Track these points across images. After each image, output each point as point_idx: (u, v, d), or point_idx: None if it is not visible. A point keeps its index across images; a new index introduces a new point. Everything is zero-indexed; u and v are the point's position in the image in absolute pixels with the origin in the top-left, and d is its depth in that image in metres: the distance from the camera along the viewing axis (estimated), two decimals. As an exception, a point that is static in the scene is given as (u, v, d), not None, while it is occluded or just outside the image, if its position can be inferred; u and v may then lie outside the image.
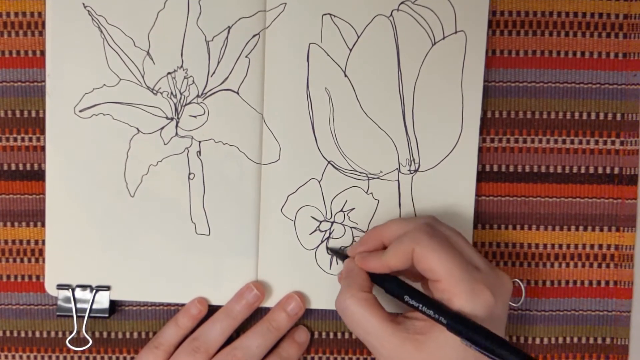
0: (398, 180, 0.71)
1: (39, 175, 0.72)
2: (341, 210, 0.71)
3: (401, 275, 0.67)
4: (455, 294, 0.60)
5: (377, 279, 0.65)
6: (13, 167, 0.72)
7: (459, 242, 0.64)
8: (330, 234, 0.71)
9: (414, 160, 0.70)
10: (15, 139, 0.72)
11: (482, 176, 0.72)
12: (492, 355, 0.57)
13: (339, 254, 0.70)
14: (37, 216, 0.73)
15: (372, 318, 0.62)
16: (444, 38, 0.70)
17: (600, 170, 0.72)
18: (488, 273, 0.62)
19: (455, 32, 0.70)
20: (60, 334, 0.73)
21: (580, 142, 0.72)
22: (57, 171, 0.71)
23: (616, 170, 0.72)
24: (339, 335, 0.73)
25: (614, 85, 0.71)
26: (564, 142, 0.72)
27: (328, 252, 0.71)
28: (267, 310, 0.72)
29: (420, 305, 0.61)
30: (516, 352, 0.56)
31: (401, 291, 0.63)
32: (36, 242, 0.73)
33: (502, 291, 0.62)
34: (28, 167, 0.72)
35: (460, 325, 0.58)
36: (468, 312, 0.59)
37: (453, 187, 0.70)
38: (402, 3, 0.70)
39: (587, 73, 0.71)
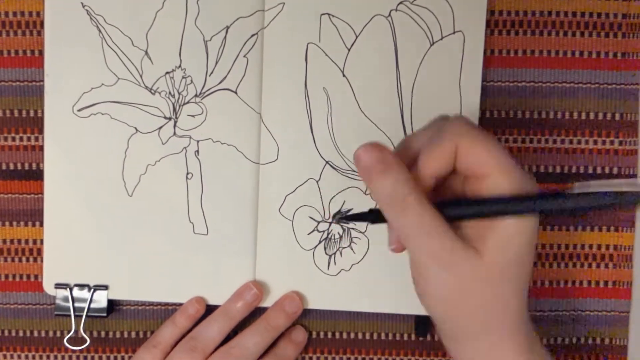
0: (396, 181, 0.70)
1: (38, 175, 0.72)
2: (339, 211, 0.71)
3: None
4: (508, 184, 0.52)
5: None
6: (11, 167, 0.72)
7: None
8: (328, 234, 0.71)
9: (412, 160, 0.70)
10: (13, 139, 0.72)
11: (481, 176, 0.72)
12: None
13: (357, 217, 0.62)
14: (35, 216, 0.73)
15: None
16: (442, 38, 0.70)
17: (599, 170, 0.72)
18: None
19: (454, 33, 0.70)
20: (58, 334, 0.73)
21: (579, 142, 0.71)
22: (56, 170, 0.71)
23: (615, 170, 0.72)
24: (337, 335, 0.74)
25: (613, 85, 0.71)
26: (562, 142, 0.71)
27: (340, 221, 0.70)
28: (264, 309, 0.72)
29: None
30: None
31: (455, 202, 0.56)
32: (34, 242, 0.73)
33: None
34: (26, 166, 0.72)
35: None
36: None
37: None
38: (400, 3, 0.69)
39: (586, 73, 0.71)
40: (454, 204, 0.55)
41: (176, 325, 0.71)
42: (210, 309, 0.71)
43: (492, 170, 0.53)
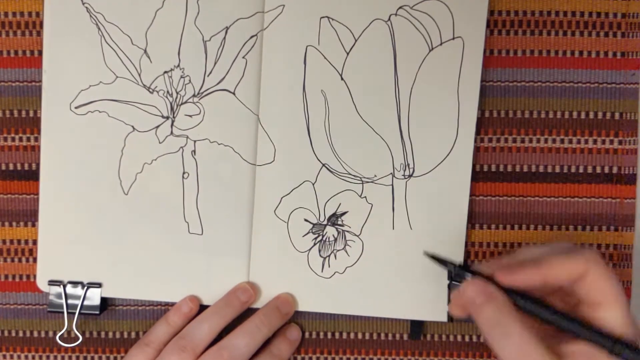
0: (392, 185, 0.70)
1: (36, 175, 0.72)
2: (334, 214, 0.71)
3: None
4: (621, 317, 0.57)
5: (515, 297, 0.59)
6: (10, 167, 0.72)
7: None
8: (322, 236, 0.71)
9: (408, 165, 0.70)
10: (12, 139, 0.72)
11: (480, 176, 0.72)
12: None
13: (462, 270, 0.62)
14: (33, 216, 0.73)
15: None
16: (441, 44, 0.69)
17: (598, 170, 0.71)
18: None
19: (453, 38, 0.69)
20: (56, 334, 0.73)
21: (579, 142, 0.71)
22: (51, 167, 0.71)
23: (615, 170, 0.71)
24: (336, 335, 0.73)
25: (613, 85, 0.71)
26: (562, 141, 0.71)
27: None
28: (256, 309, 0.71)
29: (584, 329, 0.57)
30: None
31: (551, 310, 0.58)
32: (34, 242, 0.73)
33: None
34: (25, 167, 0.72)
35: (627, 349, 0.56)
36: (629, 337, 0.57)
37: (446, 193, 0.70)
38: (400, 8, 0.69)
39: (586, 72, 0.71)
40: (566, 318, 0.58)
41: (169, 324, 0.70)
42: (202, 309, 0.71)
43: (610, 302, 0.57)
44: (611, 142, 0.71)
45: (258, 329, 0.70)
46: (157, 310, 0.73)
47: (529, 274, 0.58)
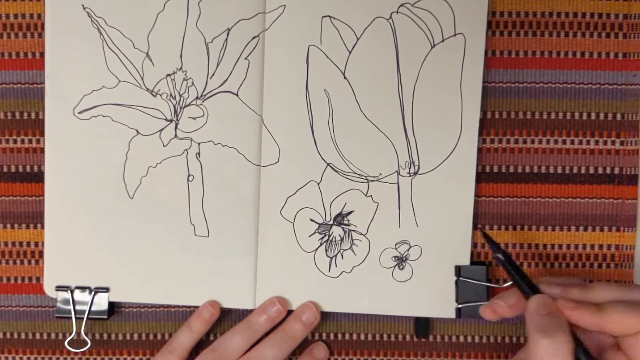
0: (397, 183, 0.70)
1: (39, 177, 0.72)
2: (340, 213, 0.71)
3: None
4: None
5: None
6: (13, 169, 0.72)
7: None
8: (329, 236, 0.71)
9: (413, 162, 0.70)
10: (15, 141, 0.72)
11: (482, 177, 0.72)
12: None
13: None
14: (36, 218, 0.73)
15: None
16: (443, 40, 0.70)
17: (600, 171, 0.72)
18: None
19: (454, 35, 0.70)
20: (60, 336, 0.74)
21: (580, 143, 0.71)
22: (56, 172, 0.71)
23: (616, 170, 0.72)
24: (340, 336, 0.74)
25: (614, 85, 0.71)
26: (564, 142, 0.71)
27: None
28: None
29: None
30: None
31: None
32: (36, 244, 0.73)
33: None
34: (28, 169, 0.72)
35: None
36: None
37: (452, 189, 0.70)
38: (401, 5, 0.69)
39: (587, 73, 0.71)
40: None
41: (192, 330, 0.71)
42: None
43: None
44: (613, 142, 0.71)
45: (284, 341, 0.70)
46: (165, 312, 0.73)
47: (590, 319, 0.59)
